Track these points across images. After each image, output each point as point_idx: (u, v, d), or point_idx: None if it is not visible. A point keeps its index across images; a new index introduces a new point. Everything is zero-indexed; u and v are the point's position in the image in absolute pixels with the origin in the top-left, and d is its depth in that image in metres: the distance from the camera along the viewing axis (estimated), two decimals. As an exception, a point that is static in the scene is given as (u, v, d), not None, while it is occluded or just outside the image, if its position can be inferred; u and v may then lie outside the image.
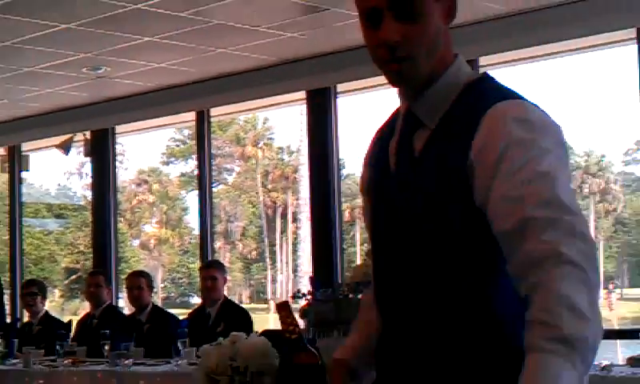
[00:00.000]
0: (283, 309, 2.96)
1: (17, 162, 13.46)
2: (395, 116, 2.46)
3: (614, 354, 10.52)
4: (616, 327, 18.85)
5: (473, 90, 2.31)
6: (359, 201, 20.31)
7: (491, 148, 2.18)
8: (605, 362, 6.55)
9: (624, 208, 36.07)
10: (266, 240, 28.44)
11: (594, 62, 34.08)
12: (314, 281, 8.67)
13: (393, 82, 2.35)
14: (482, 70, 5.14)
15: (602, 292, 25.62)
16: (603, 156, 36.48)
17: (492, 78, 2.36)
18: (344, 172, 10.97)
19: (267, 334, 7.14)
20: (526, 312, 2.06)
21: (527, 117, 2.21)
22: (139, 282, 8.92)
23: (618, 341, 12.44)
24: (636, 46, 8.48)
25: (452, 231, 2.24)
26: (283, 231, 28.21)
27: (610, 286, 30.87)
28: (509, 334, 2.14)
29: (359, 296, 5.55)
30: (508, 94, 2.27)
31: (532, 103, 2.25)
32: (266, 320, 21.69)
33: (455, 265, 2.24)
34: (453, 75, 2.34)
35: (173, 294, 26.68)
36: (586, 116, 38.77)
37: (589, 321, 2.02)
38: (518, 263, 2.12)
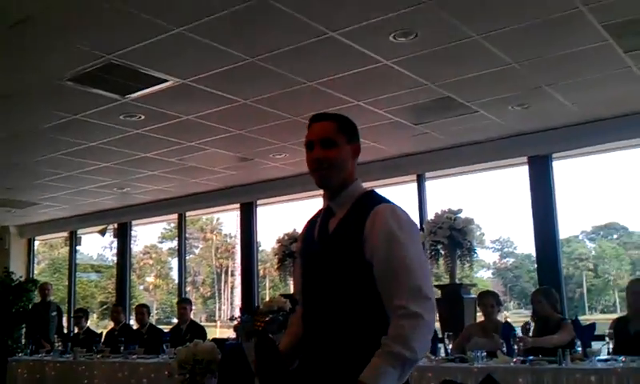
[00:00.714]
0: (258, 314, 2.88)
1: (74, 240, 12.95)
2: (320, 212, 2.44)
3: None
4: None
5: (365, 196, 2.33)
6: (268, 264, 20.14)
7: (375, 231, 2.18)
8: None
9: None
10: (216, 286, 27.98)
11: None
12: (242, 310, 8.55)
13: (318, 184, 2.35)
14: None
15: None
16: None
17: (376, 192, 2.37)
18: (260, 248, 10.99)
19: (214, 340, 6.99)
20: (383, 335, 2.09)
21: (397, 214, 2.23)
22: (142, 311, 8.63)
23: None
24: None
25: (351, 276, 2.21)
26: (225, 281, 27.84)
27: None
28: (376, 343, 2.10)
29: (268, 318, 5.50)
30: (386, 200, 2.29)
31: (400, 207, 2.27)
32: (215, 332, 21.07)
33: (352, 296, 2.21)
34: (354, 188, 2.35)
35: (162, 317, 25.88)
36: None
37: (412, 350, 2.05)
38: (389, 309, 2.12)
